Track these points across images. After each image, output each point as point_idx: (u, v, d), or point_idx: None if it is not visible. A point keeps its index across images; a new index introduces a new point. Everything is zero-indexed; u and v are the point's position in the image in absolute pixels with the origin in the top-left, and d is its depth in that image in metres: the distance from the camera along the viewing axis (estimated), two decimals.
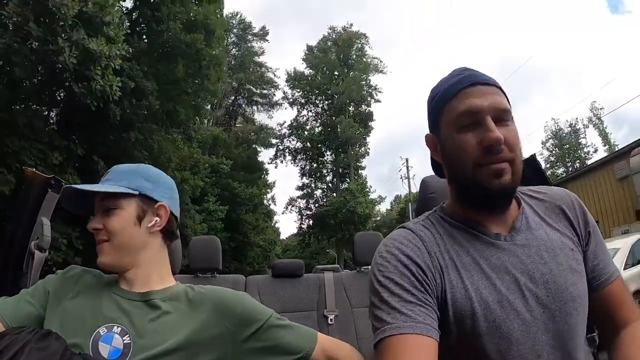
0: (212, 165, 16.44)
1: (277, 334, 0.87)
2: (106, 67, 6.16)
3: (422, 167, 26.35)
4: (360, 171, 24.79)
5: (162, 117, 8.89)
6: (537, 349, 0.67)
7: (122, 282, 0.87)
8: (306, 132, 24.73)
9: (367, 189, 22.57)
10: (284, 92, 25.61)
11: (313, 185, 24.67)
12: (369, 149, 25.48)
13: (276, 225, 26.50)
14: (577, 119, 25.81)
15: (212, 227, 15.17)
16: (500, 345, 0.66)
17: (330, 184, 24.61)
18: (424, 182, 1.05)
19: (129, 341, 0.78)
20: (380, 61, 25.70)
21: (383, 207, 28.48)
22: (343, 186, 23.56)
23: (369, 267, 1.43)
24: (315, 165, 24.53)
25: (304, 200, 24.22)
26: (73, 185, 0.87)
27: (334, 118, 23.85)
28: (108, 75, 6.23)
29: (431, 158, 0.84)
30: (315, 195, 24.36)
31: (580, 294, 0.71)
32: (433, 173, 0.88)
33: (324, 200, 23.36)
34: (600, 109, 24.47)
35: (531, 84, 46.21)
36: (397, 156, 51.47)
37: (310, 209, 23.69)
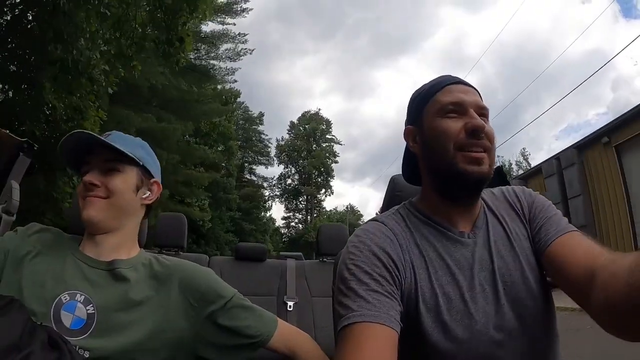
0: (231, 217, 30.49)
1: (239, 314, 0.85)
2: None
3: None
4: (322, 209, 39.20)
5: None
6: (500, 337, 0.70)
7: (88, 248, 0.84)
8: (288, 182, 38.85)
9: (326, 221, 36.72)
10: (274, 154, 39.55)
11: (292, 216, 38.89)
12: (333, 191, 39.61)
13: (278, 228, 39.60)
14: (509, 160, 30.57)
15: (232, 249, 29.08)
16: (465, 335, 0.68)
17: (303, 217, 38.89)
18: (393, 180, 1.04)
19: (93, 311, 0.75)
20: (336, 137, 39.77)
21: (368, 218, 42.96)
22: (310, 217, 37.73)
23: (331, 257, 1.95)
24: (294, 204, 38.73)
25: (285, 229, 38.53)
26: (90, 132, 0.83)
27: (305, 175, 37.90)
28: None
29: (403, 160, 0.89)
30: (291, 225, 38.65)
31: (535, 284, 0.73)
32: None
33: (297, 230, 37.57)
34: (528, 154, 29.69)
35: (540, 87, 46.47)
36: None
37: (290, 233, 37.87)
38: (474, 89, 0.79)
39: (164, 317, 0.80)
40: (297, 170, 39.11)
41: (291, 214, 39.03)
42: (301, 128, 38.94)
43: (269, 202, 38.54)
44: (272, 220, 36.26)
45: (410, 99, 0.85)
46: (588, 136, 10.10)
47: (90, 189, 0.82)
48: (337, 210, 40.42)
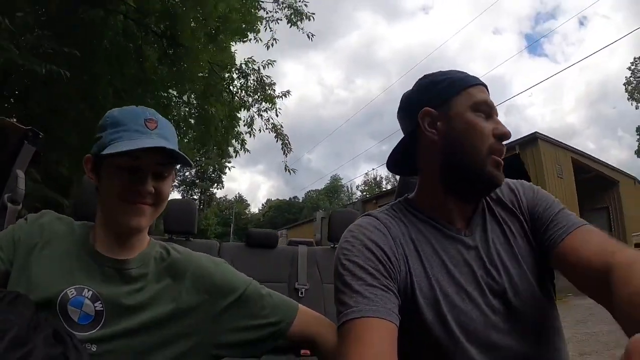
0: None
1: (256, 304, 0.81)
2: None
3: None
4: (213, 201, 46.75)
5: None
6: (497, 336, 0.69)
7: (100, 242, 0.78)
8: (186, 174, 45.33)
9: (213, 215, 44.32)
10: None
11: None
12: (224, 185, 46.81)
13: None
14: (381, 176, 35.80)
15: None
16: (461, 333, 0.68)
17: (197, 206, 45.98)
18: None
19: (101, 309, 0.72)
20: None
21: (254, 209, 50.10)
22: (203, 207, 45.01)
23: None
24: (190, 194, 45.47)
25: None
26: (162, 145, 0.74)
27: (201, 171, 44.85)
28: None
29: (398, 146, 0.83)
30: None
31: (534, 283, 0.73)
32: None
33: None
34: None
35: None
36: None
37: None
38: None
39: (176, 307, 0.77)
40: (195, 166, 45.75)
41: None
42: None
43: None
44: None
45: (432, 80, 0.80)
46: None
47: (144, 196, 0.75)
48: (226, 198, 47.64)
